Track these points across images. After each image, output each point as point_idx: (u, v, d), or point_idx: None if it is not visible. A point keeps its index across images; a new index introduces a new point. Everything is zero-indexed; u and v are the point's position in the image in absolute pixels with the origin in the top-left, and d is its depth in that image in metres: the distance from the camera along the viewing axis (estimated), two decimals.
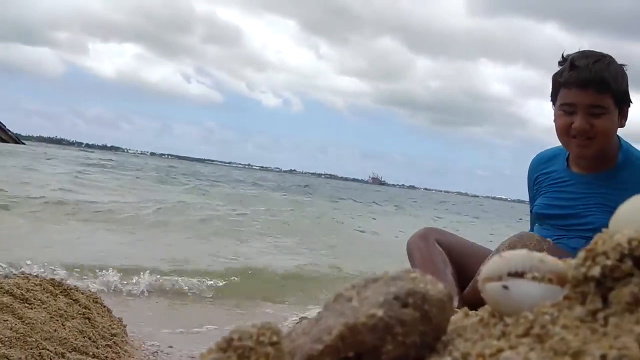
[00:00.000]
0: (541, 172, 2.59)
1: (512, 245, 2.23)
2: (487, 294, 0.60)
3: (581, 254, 0.60)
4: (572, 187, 2.44)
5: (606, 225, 2.44)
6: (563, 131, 2.32)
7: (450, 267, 2.60)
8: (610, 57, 2.28)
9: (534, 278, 0.62)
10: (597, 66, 2.22)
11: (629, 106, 2.33)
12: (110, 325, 3.59)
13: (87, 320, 3.61)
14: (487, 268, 0.62)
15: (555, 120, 2.35)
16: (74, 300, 3.72)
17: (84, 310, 3.67)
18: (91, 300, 3.85)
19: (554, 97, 2.36)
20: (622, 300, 0.56)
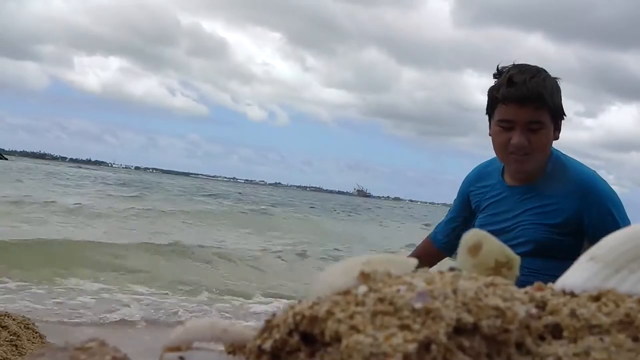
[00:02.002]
0: (477, 187, 2.59)
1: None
2: None
3: (263, 324, 0.54)
4: (506, 200, 2.44)
5: (535, 238, 2.39)
6: (501, 148, 2.31)
7: None
8: (545, 71, 2.29)
9: (230, 348, 0.57)
10: (534, 82, 2.22)
11: (563, 119, 2.35)
12: None
13: (14, 348, 3.52)
14: (170, 338, 0.56)
15: (492, 136, 2.34)
16: (2, 327, 3.63)
17: (12, 337, 3.59)
18: (22, 327, 3.76)
19: (490, 112, 2.35)
20: None
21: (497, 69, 2.32)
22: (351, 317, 0.49)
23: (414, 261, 0.58)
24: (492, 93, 2.32)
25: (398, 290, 0.51)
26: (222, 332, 0.56)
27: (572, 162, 2.39)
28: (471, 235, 0.60)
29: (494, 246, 0.60)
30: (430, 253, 2.82)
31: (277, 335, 0.52)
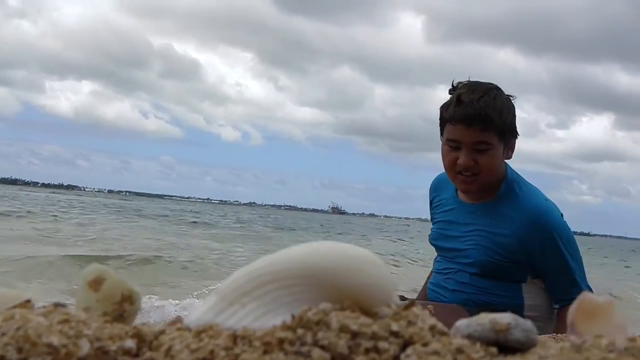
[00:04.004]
0: (436, 197, 2.57)
1: None
2: None
3: None
4: (458, 217, 2.41)
5: (483, 260, 2.35)
6: (449, 167, 2.28)
7: None
8: (497, 90, 2.23)
9: None
10: (482, 102, 2.16)
11: (516, 138, 2.30)
12: None
13: None
14: None
15: (442, 154, 2.30)
16: None
17: None
18: None
19: (441, 129, 2.30)
20: None
21: (452, 84, 2.28)
22: None
23: (23, 296, 0.60)
24: (442, 111, 2.28)
25: None
26: None
27: (526, 188, 2.32)
28: (91, 270, 0.63)
29: (116, 280, 0.63)
30: None
31: None
